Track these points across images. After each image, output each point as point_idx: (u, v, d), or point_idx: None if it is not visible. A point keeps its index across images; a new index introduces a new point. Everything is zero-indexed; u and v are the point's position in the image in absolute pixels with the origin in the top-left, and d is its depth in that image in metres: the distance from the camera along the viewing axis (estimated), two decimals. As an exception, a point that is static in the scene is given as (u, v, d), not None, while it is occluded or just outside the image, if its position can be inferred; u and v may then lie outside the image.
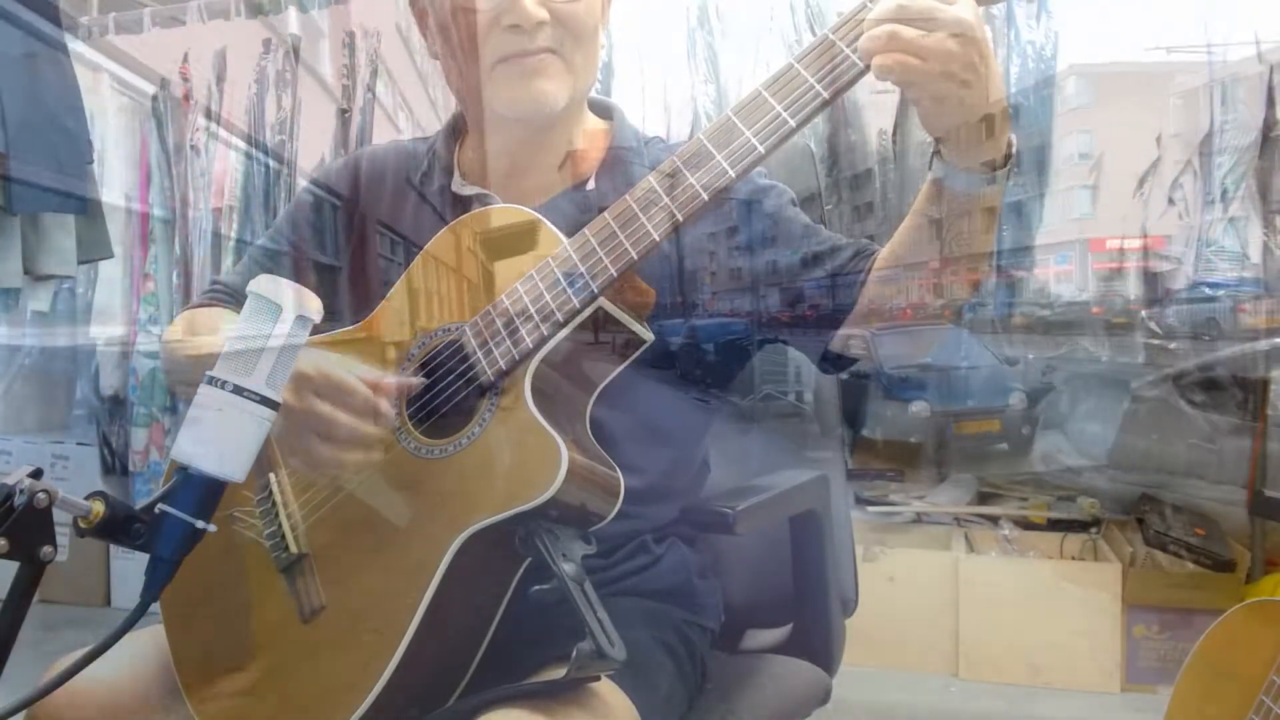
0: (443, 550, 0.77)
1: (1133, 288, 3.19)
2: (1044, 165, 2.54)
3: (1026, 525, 2.76)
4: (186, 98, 2.83)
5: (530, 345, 0.81)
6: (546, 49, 0.91)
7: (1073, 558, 2.59)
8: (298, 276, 1.00)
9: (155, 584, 0.65)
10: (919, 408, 3.24)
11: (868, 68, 0.74)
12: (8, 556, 0.60)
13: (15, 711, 0.67)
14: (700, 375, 1.01)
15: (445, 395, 0.85)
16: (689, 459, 1.05)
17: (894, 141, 2.68)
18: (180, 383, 1.08)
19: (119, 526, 0.63)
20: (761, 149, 0.76)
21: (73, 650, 0.68)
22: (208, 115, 2.79)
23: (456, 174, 1.02)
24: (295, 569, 0.85)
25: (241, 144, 2.77)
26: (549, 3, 0.90)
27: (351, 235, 1.05)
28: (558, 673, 0.75)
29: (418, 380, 0.85)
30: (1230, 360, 2.73)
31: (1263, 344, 2.63)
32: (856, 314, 0.94)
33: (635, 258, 0.79)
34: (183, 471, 0.65)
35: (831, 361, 0.98)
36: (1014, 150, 0.81)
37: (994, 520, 2.78)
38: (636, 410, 0.95)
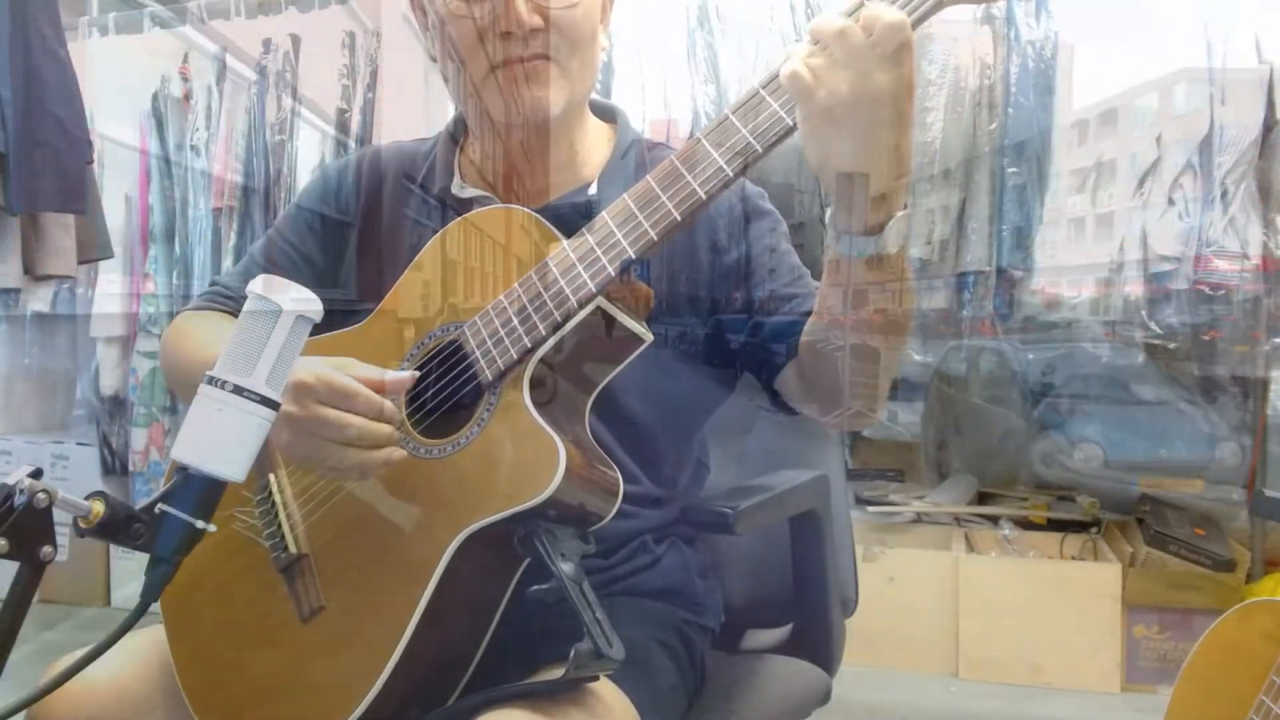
0: (441, 550, 0.77)
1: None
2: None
3: (1026, 525, 2.76)
4: (187, 98, 2.83)
5: (529, 345, 0.81)
6: (540, 55, 0.91)
7: (1073, 558, 2.59)
8: (297, 276, 1.00)
9: (155, 584, 0.65)
10: (1089, 452, 2.54)
11: None
12: (8, 556, 0.60)
13: (15, 711, 0.67)
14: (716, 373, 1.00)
15: (444, 395, 0.85)
16: (686, 459, 1.06)
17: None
18: (178, 386, 1.08)
19: (119, 526, 0.63)
20: (759, 148, 0.75)
21: (73, 650, 0.68)
22: (207, 115, 2.79)
23: (457, 176, 1.02)
24: (294, 569, 0.85)
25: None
26: (543, 8, 0.89)
27: (352, 235, 1.05)
28: (556, 673, 0.75)
29: (417, 375, 0.85)
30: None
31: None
32: (793, 369, 0.92)
33: (633, 257, 0.79)
34: (183, 471, 0.65)
35: (776, 401, 0.96)
36: (896, 216, 0.75)
37: (994, 520, 2.79)
38: (634, 410, 0.96)
